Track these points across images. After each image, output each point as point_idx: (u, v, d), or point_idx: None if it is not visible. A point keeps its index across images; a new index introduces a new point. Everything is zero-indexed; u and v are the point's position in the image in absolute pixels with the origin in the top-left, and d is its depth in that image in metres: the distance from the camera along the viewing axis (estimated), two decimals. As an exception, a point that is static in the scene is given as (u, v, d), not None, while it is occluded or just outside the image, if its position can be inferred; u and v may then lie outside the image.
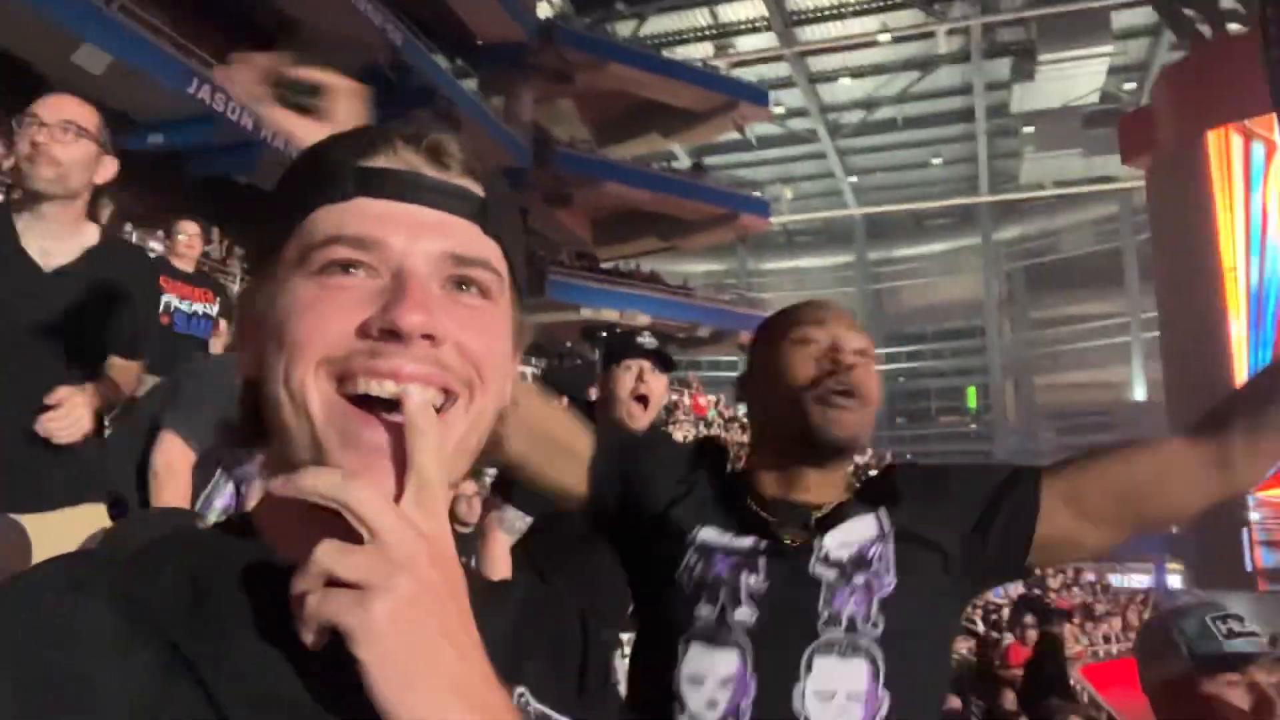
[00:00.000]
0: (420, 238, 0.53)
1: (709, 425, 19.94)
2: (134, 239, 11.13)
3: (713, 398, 22.49)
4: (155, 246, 11.74)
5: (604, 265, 24.83)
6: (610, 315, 21.37)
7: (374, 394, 0.50)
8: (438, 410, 0.52)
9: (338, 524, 0.47)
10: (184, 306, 4.48)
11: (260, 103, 1.00)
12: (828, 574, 1.10)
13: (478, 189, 0.57)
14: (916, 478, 1.23)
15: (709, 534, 1.15)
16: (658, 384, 2.40)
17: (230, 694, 0.46)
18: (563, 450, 1.22)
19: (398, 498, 0.49)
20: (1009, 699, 7.34)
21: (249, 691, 0.46)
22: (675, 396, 20.93)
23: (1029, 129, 31.48)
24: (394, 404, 0.51)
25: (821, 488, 1.19)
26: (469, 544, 5.08)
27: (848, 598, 1.09)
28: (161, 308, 4.29)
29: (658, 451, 1.30)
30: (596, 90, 22.80)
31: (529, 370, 16.83)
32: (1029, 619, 9.30)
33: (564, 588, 2.41)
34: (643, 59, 23.41)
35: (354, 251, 0.52)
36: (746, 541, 1.14)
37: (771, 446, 1.24)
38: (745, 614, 1.09)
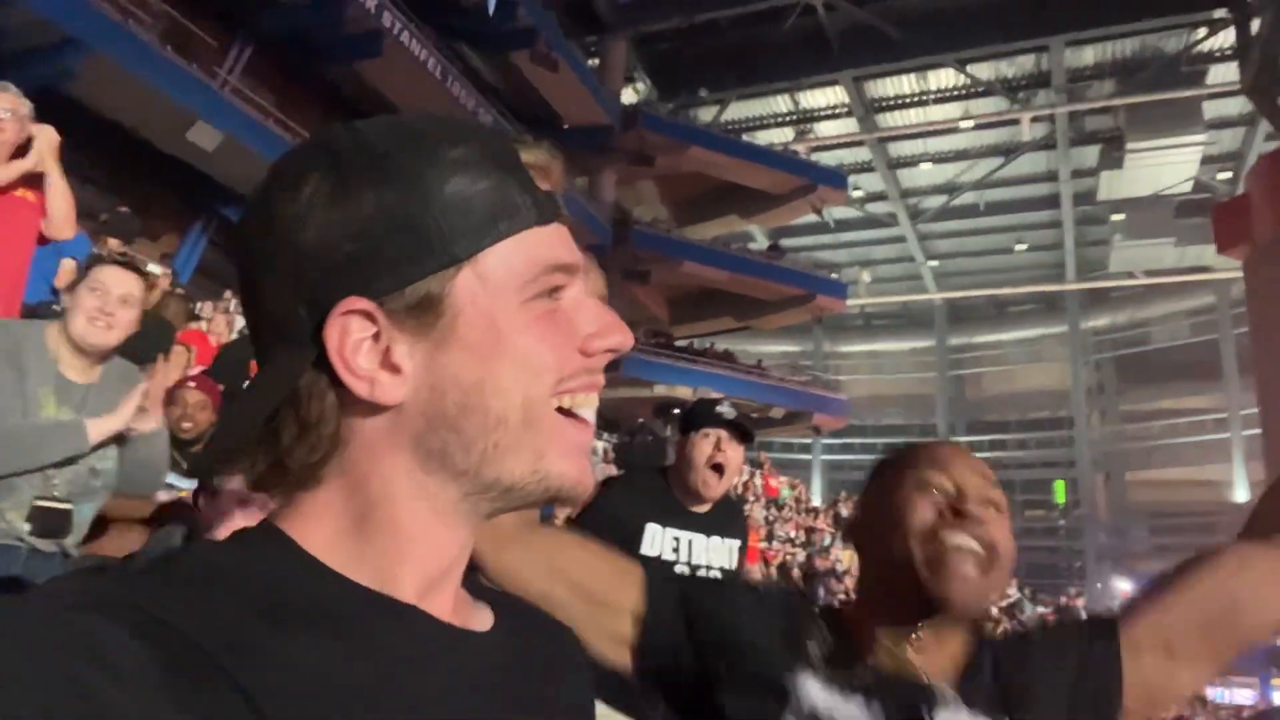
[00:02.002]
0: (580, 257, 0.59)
1: (780, 507, 19.56)
2: (232, 306, 11.68)
3: (785, 479, 22.11)
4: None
5: (679, 343, 24.98)
6: (684, 393, 21.36)
7: (576, 407, 0.56)
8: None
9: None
10: None
11: None
12: None
13: None
14: (1005, 657, 1.09)
15: (815, 690, 1.01)
16: (735, 454, 2.40)
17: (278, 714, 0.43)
18: (607, 601, 1.08)
19: None
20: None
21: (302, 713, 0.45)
22: (746, 477, 20.65)
23: (1118, 216, 30.85)
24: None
25: (935, 654, 1.05)
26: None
27: None
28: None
29: (730, 595, 1.14)
30: (677, 172, 23.32)
31: (601, 444, 16.86)
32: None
33: None
34: (722, 143, 23.90)
35: (564, 277, 0.57)
36: (855, 703, 1.00)
37: (879, 602, 1.09)
38: None
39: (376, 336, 0.51)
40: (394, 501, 0.53)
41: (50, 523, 2.14)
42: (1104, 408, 39.47)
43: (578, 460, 0.56)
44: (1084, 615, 1.14)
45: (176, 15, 12.88)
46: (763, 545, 15.23)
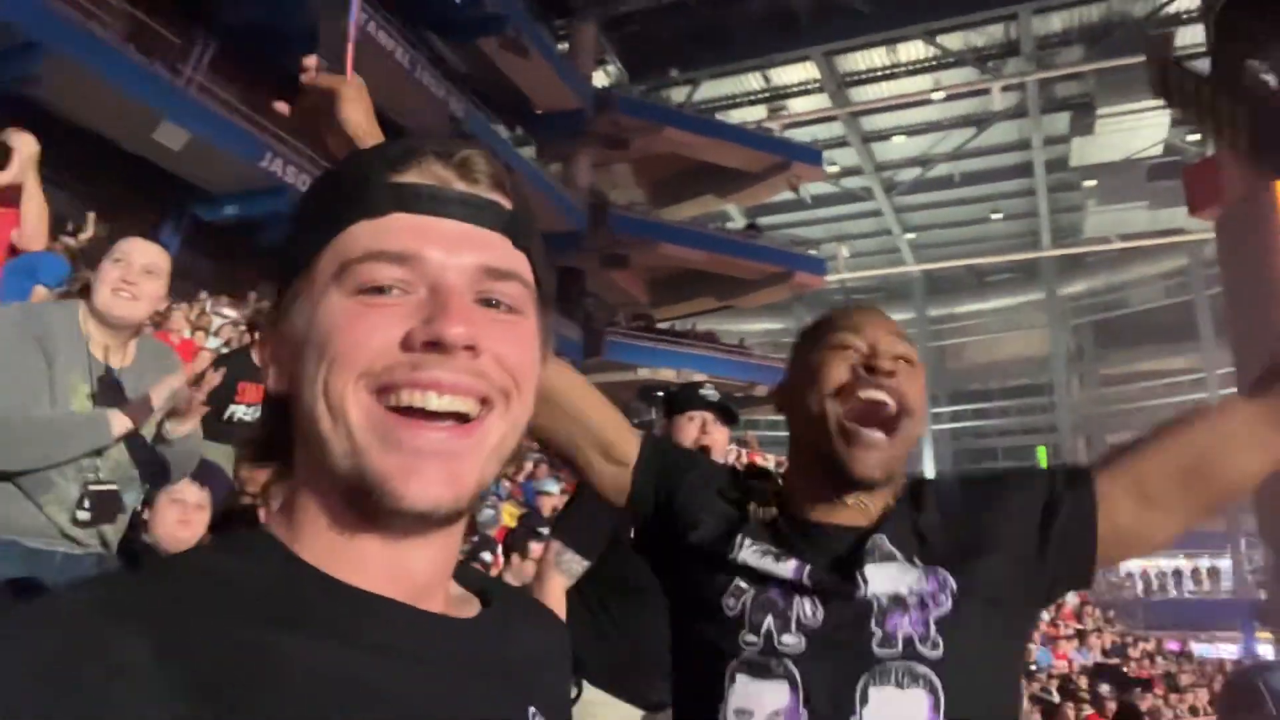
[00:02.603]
0: (456, 252, 0.55)
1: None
2: (208, 306, 11.57)
3: (772, 456, 22.22)
4: (229, 313, 12.19)
5: (660, 325, 24.97)
6: (667, 375, 21.41)
7: (417, 405, 0.52)
8: (475, 419, 0.54)
9: (372, 540, 0.53)
10: (247, 415, 4.30)
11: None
12: (880, 596, 1.02)
13: (506, 202, 0.59)
14: (953, 496, 1.13)
15: (751, 557, 1.08)
16: (720, 435, 2.41)
17: None
18: (611, 454, 1.20)
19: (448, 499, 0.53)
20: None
21: None
22: (732, 456, 20.74)
23: (1091, 182, 31.03)
24: (433, 415, 0.53)
25: (861, 506, 1.11)
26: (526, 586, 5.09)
27: (901, 618, 1.00)
28: (226, 415, 4.20)
29: (701, 468, 1.24)
30: (651, 154, 23.25)
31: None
32: (1106, 689, 8.86)
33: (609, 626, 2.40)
34: (696, 123, 23.84)
35: (393, 266, 0.54)
36: (789, 565, 1.06)
37: (805, 463, 1.16)
38: (793, 641, 1.02)
39: (270, 335, 0.59)
40: (315, 498, 0.56)
41: (104, 506, 2.10)
42: (1083, 372, 39.84)
43: (408, 460, 0.52)
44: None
45: (137, 14, 12.68)
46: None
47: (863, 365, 1.10)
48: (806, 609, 1.03)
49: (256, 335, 4.60)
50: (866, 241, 37.94)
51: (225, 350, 9.72)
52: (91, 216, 8.72)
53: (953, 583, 1.02)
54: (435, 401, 0.52)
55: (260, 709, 0.45)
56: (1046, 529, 1.07)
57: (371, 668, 0.50)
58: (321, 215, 0.57)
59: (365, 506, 0.53)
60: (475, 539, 6.07)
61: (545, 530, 4.28)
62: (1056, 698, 10.10)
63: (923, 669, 0.98)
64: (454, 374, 0.53)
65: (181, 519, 2.59)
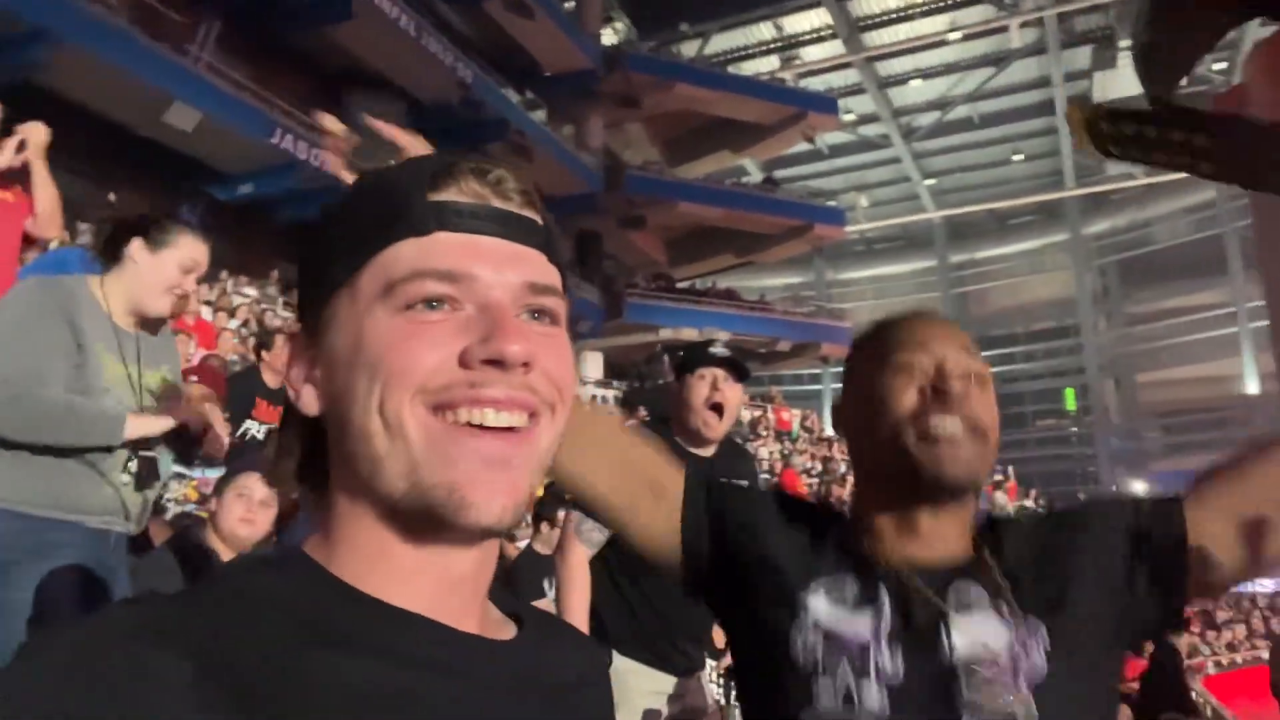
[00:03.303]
0: (502, 269, 0.56)
1: (794, 440, 19.68)
2: (228, 286, 11.64)
3: (797, 412, 22.22)
4: (249, 293, 12.26)
5: (680, 284, 24.89)
6: (689, 334, 21.37)
7: (475, 422, 0.53)
8: (525, 430, 0.55)
9: (413, 556, 0.54)
10: (259, 433, 4.22)
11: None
12: (967, 658, 0.94)
13: (539, 218, 0.60)
14: (1035, 533, 1.05)
15: (821, 604, 1.00)
16: (732, 392, 2.37)
17: None
18: (651, 489, 1.11)
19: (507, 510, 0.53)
20: (1125, 715, 6.98)
21: None
22: (758, 412, 20.75)
23: (1114, 118, 30.34)
24: (488, 429, 0.54)
25: (940, 539, 1.03)
26: (530, 561, 5.10)
27: (992, 671, 0.93)
28: (241, 431, 4.16)
29: (754, 497, 1.15)
30: (664, 111, 22.99)
31: (610, 393, 16.92)
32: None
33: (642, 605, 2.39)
34: (707, 77, 23.53)
35: (442, 285, 0.54)
36: (864, 622, 0.98)
37: (876, 488, 1.08)
38: (875, 700, 0.94)
39: (302, 355, 0.59)
40: (350, 519, 0.56)
41: (147, 471, 2.11)
42: (1110, 312, 39.39)
43: (470, 471, 0.52)
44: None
45: (142, -5, 12.62)
46: (776, 480, 15.34)
47: (932, 389, 1.03)
48: (885, 661, 0.96)
49: (264, 355, 4.50)
50: (886, 190, 37.53)
51: (244, 330, 9.79)
52: (112, 199, 8.76)
53: (1045, 636, 0.95)
54: (492, 418, 0.53)
55: None
56: (1134, 562, 1.00)
57: (411, 684, 0.50)
58: (361, 233, 0.57)
59: (419, 525, 0.54)
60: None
61: (574, 496, 4.29)
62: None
63: None
64: (510, 390, 0.53)
65: (245, 516, 2.58)
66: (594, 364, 21.64)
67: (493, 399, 0.53)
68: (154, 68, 11.68)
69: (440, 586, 0.55)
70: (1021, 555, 1.02)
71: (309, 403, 0.58)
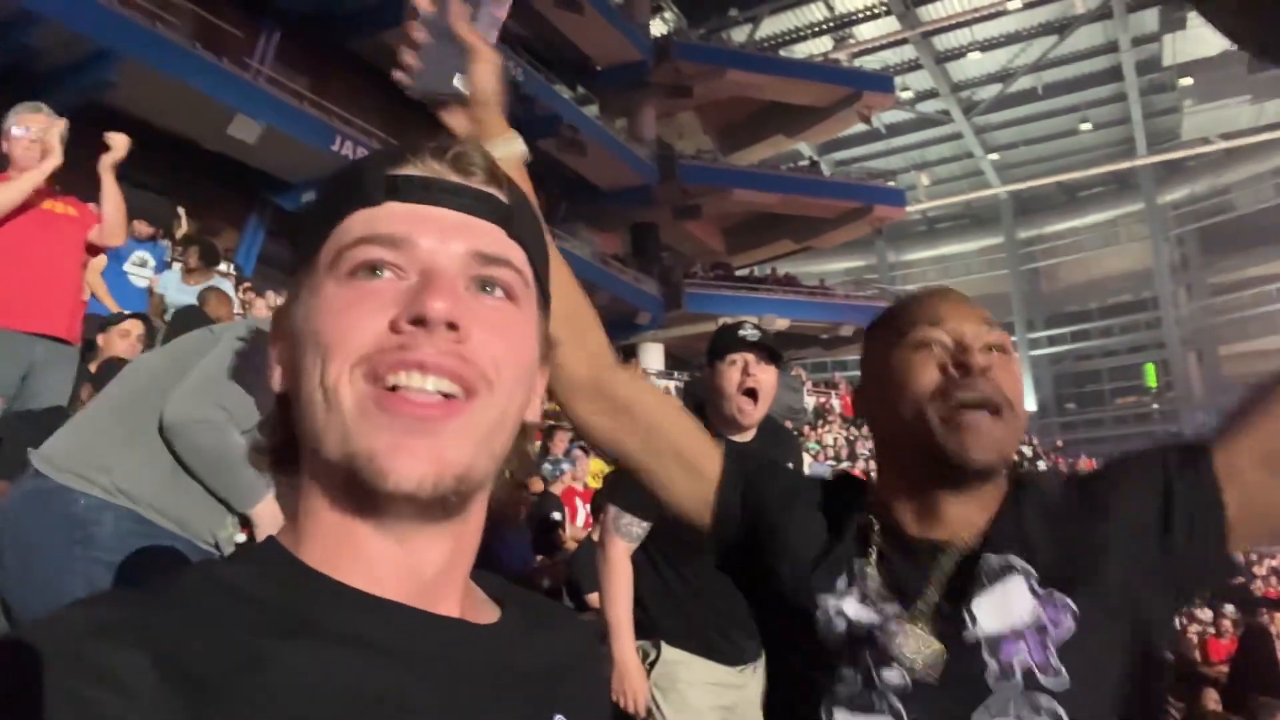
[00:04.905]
0: (447, 237, 0.55)
1: (860, 426, 19.41)
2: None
3: (862, 397, 21.86)
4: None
5: (739, 273, 24.72)
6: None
7: (402, 385, 0.52)
8: (462, 400, 0.54)
9: (375, 537, 0.53)
10: None
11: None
12: (991, 634, 0.92)
13: (502, 195, 0.59)
14: (1060, 499, 1.01)
15: (844, 588, 1.00)
16: (765, 376, 2.31)
17: None
18: (691, 466, 1.11)
19: (435, 467, 0.52)
20: (1211, 698, 6.73)
21: None
22: (823, 399, 20.52)
23: (1186, 81, 29.17)
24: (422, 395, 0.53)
25: (966, 519, 1.00)
26: (589, 551, 5.11)
27: (1018, 644, 0.90)
28: None
29: (787, 479, 1.14)
30: (716, 99, 22.82)
31: (672, 384, 16.90)
32: (1229, 610, 8.51)
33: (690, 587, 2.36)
34: (758, 61, 23.29)
35: (383, 250, 0.54)
36: (890, 608, 0.97)
37: (900, 471, 1.05)
38: (895, 677, 0.93)
39: (277, 334, 0.59)
40: (318, 499, 0.55)
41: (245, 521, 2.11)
42: (1190, 283, 37.83)
43: (391, 439, 0.51)
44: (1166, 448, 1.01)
45: (201, 11, 13.00)
46: (845, 465, 15.16)
47: (953, 364, 0.99)
48: (909, 641, 0.95)
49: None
50: (947, 167, 36.69)
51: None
52: (183, 212, 9.05)
53: (1072, 605, 0.91)
54: (419, 380, 0.52)
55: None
56: (1167, 521, 0.95)
57: (379, 673, 0.49)
58: (321, 213, 0.58)
59: (359, 494, 0.53)
60: (538, 496, 6.16)
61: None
62: (1178, 622, 9.77)
63: (1046, 701, 0.88)
64: (438, 355, 0.52)
65: None
66: (654, 355, 21.64)
67: (418, 361, 0.52)
68: (216, 81, 12.03)
69: (405, 568, 0.54)
70: (1047, 525, 0.98)
71: (277, 380, 0.58)
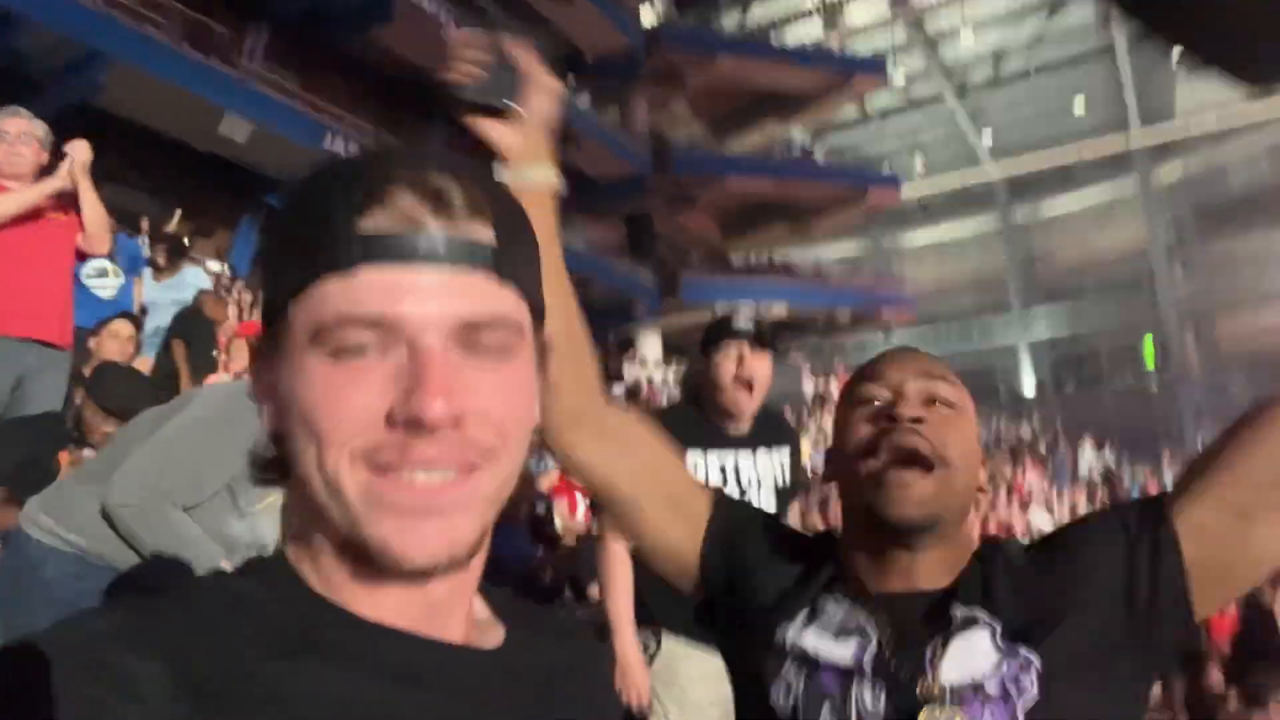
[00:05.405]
0: (432, 307, 0.52)
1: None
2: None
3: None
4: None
5: (734, 261, 24.67)
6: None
7: (407, 480, 0.52)
8: (466, 474, 0.53)
9: (383, 580, 0.53)
10: None
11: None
12: (952, 686, 0.90)
13: (487, 230, 0.54)
14: (1024, 561, 1.00)
15: (804, 637, 0.98)
16: (760, 364, 2.30)
17: None
18: (679, 507, 1.10)
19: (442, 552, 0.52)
20: (1215, 675, 6.75)
21: None
22: (821, 388, 20.49)
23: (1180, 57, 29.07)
24: None
25: (923, 573, 0.99)
26: (587, 550, 5.13)
27: (981, 709, 0.88)
28: None
29: (768, 531, 1.12)
30: (708, 87, 22.71)
31: (670, 373, 16.89)
32: (1231, 587, 8.49)
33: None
34: (750, 48, 23.24)
35: (366, 332, 0.51)
36: (848, 647, 0.95)
37: (851, 527, 1.05)
38: None
39: (260, 372, 0.57)
40: (315, 533, 0.55)
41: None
42: (1186, 259, 37.79)
43: (400, 524, 0.51)
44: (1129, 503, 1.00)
45: (189, 11, 12.91)
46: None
47: (884, 416, 0.99)
48: (866, 699, 0.92)
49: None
50: (941, 150, 36.56)
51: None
52: (177, 213, 9.01)
53: (1036, 663, 0.89)
54: (423, 478, 0.52)
55: None
56: (1130, 580, 0.93)
57: (383, 697, 0.50)
58: (289, 261, 0.54)
59: (369, 563, 0.53)
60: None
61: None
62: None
63: None
64: (441, 449, 0.51)
65: None
66: (652, 344, 21.61)
67: (423, 460, 0.51)
68: (204, 81, 11.95)
69: (413, 600, 0.55)
70: (1012, 582, 0.96)
71: (266, 421, 0.57)
